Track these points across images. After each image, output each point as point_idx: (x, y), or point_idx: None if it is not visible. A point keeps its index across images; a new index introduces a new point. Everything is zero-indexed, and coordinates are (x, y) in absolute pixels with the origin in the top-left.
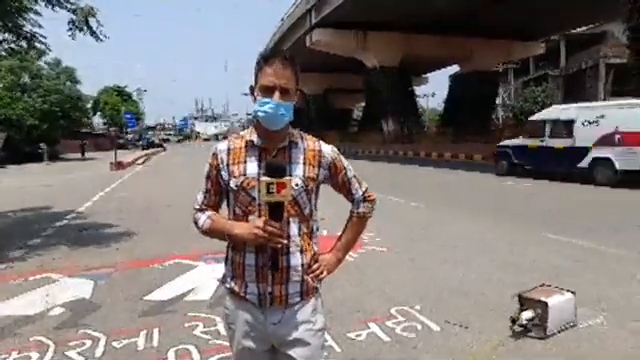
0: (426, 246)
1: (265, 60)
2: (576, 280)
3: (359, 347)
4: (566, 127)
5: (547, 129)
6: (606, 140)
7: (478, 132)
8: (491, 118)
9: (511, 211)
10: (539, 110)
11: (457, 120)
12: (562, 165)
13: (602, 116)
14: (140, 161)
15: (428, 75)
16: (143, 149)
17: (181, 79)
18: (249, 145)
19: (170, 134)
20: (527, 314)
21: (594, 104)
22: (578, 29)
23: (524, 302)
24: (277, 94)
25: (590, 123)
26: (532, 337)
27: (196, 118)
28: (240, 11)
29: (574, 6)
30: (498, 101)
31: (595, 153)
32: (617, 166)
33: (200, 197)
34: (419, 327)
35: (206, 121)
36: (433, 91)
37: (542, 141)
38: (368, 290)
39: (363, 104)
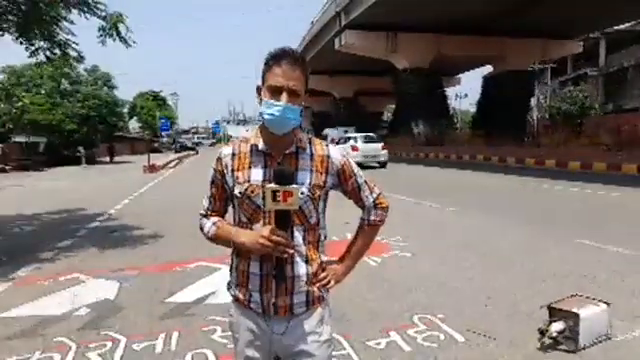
0: (453, 252)
1: (274, 59)
2: (612, 290)
3: (378, 356)
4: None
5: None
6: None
7: (512, 134)
8: (526, 120)
9: (547, 216)
10: (577, 111)
11: (490, 122)
12: None
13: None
14: (172, 164)
15: (460, 76)
16: (176, 152)
17: (214, 83)
18: (254, 150)
19: (203, 137)
20: (557, 326)
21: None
22: (619, 26)
23: (554, 313)
24: (285, 96)
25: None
26: (562, 350)
27: (228, 122)
28: (272, 14)
29: (614, 3)
30: (533, 102)
31: None
32: None
33: (205, 203)
34: (442, 337)
35: (237, 124)
36: (466, 92)
37: None
38: (390, 296)
39: (393, 106)
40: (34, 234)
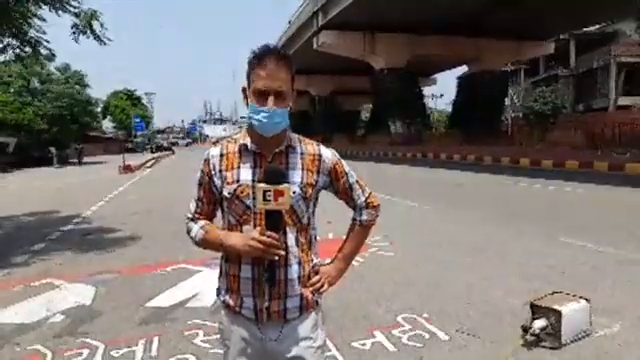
0: (435, 251)
1: (258, 60)
2: (591, 286)
3: (364, 357)
4: None
5: None
6: None
7: (487, 133)
8: (500, 119)
9: (524, 214)
10: (549, 111)
11: (466, 121)
12: None
13: None
14: (149, 164)
15: (436, 76)
16: (152, 152)
17: (190, 82)
18: (243, 149)
19: (179, 137)
20: (540, 323)
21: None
22: (589, 28)
23: (536, 310)
24: (271, 100)
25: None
26: (545, 347)
27: (205, 121)
28: (249, 13)
29: (584, 5)
30: (507, 102)
31: None
32: None
33: (192, 206)
34: (427, 336)
35: (214, 124)
36: (441, 92)
37: None
38: (374, 296)
39: (371, 105)
40: (5, 238)
